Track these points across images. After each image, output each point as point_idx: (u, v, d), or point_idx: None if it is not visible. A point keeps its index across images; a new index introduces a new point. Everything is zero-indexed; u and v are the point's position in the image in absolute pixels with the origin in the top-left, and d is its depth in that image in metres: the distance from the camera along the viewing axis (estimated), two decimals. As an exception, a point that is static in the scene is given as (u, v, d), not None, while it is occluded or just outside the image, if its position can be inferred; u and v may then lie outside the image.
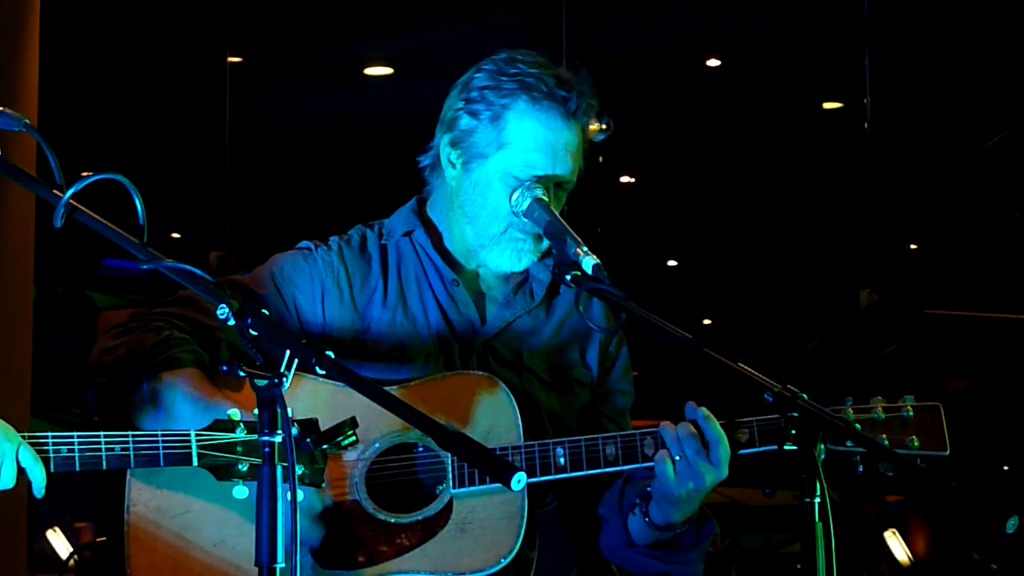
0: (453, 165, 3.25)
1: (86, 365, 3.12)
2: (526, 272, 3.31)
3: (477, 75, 3.25)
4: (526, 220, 3.16)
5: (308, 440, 2.60)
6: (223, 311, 2.43)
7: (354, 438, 2.61)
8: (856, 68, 9.13)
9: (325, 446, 2.61)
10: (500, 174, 3.19)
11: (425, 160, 3.33)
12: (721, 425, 3.05)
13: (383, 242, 3.30)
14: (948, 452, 3.08)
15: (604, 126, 3.29)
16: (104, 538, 8.10)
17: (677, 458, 3.02)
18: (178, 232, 11.16)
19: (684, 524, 3.15)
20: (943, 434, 3.09)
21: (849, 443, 3.00)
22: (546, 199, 3.17)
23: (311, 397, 3.00)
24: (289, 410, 2.44)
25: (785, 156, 10.93)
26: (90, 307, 11.13)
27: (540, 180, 3.17)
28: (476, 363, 3.21)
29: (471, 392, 3.10)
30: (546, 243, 3.20)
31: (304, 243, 3.30)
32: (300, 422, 2.60)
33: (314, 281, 3.22)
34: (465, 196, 3.23)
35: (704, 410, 3.05)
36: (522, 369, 3.24)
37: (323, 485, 2.93)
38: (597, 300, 3.21)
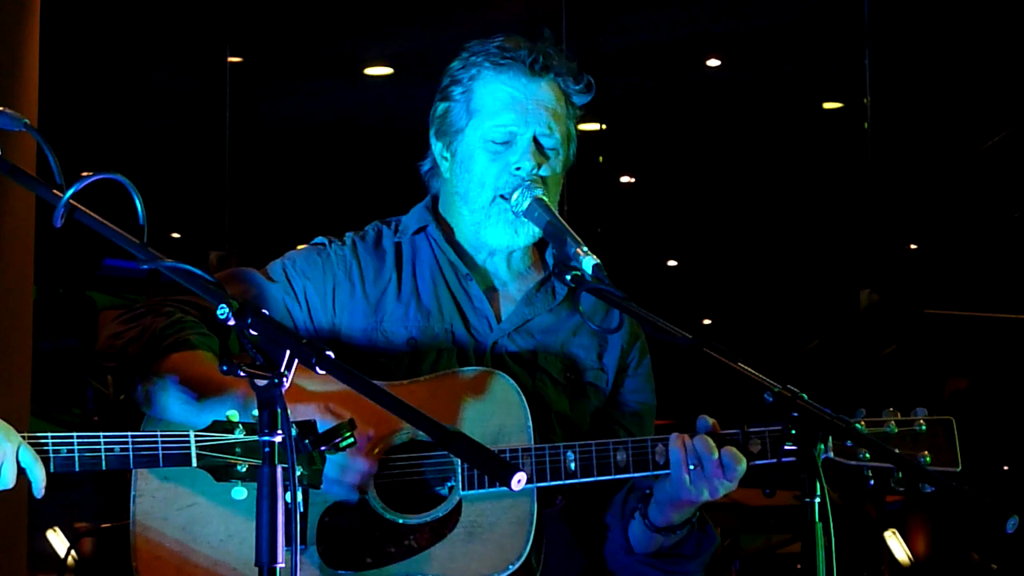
0: (445, 157, 3.28)
1: (94, 351, 3.12)
2: (548, 271, 3.32)
3: (451, 65, 3.30)
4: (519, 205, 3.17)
5: (306, 442, 2.60)
6: (223, 311, 2.43)
7: (352, 440, 2.61)
8: (856, 68, 9.13)
9: (323, 447, 2.61)
10: (479, 142, 3.21)
11: (425, 165, 3.36)
12: (733, 435, 3.05)
13: (396, 239, 3.31)
14: (959, 468, 3.08)
15: (584, 85, 3.30)
16: (107, 525, 8.08)
17: (692, 467, 3.02)
18: (178, 232, 11.16)
19: (683, 526, 3.14)
20: (955, 450, 3.09)
21: (863, 455, 3.00)
22: (546, 199, 3.18)
23: (316, 390, 2.99)
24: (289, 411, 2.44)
25: (785, 156, 10.93)
26: (90, 307, 11.12)
27: (519, 139, 3.18)
28: (490, 360, 3.20)
29: (482, 390, 3.09)
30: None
31: (319, 239, 3.32)
32: (298, 423, 2.60)
33: (326, 274, 3.23)
34: (457, 177, 3.26)
35: (732, 450, 3.03)
36: (536, 369, 3.23)
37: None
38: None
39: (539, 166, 3.19)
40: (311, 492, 2.99)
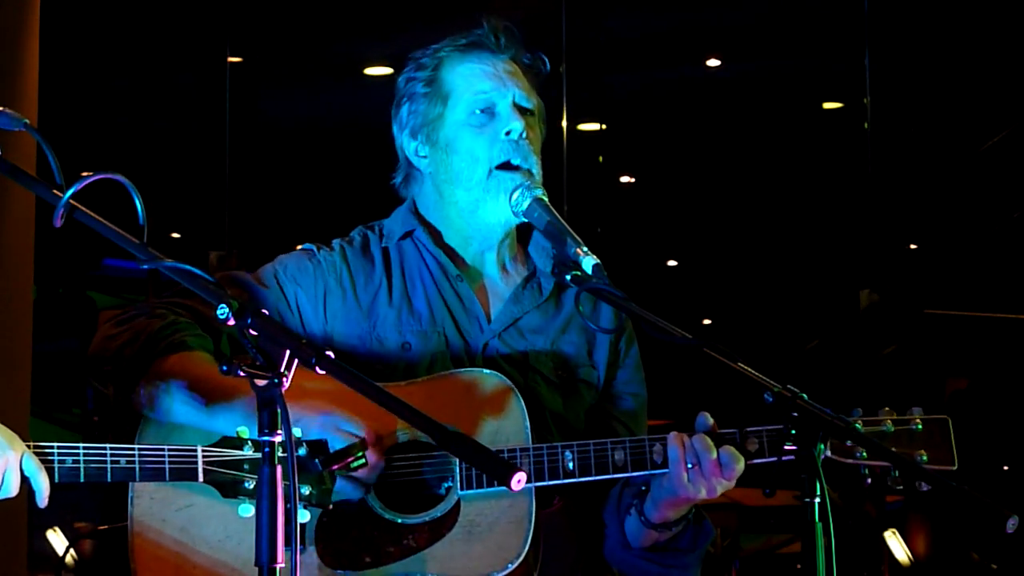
0: (423, 156, 3.27)
1: (87, 354, 3.11)
2: (533, 267, 3.31)
3: (400, 79, 3.32)
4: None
5: (316, 461, 2.59)
6: (223, 311, 2.42)
7: (363, 460, 2.60)
8: (856, 68, 9.13)
9: (334, 467, 2.60)
10: (462, 118, 3.21)
11: (397, 178, 3.35)
12: (731, 434, 3.05)
13: (383, 244, 3.30)
14: (956, 467, 3.09)
15: (538, 61, 3.32)
16: (105, 526, 8.08)
17: (690, 466, 3.02)
18: (178, 232, 11.15)
19: (680, 522, 3.15)
20: (951, 449, 3.10)
21: (860, 454, 3.01)
22: (546, 199, 3.18)
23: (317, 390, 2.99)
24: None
25: (785, 156, 10.93)
26: (90, 307, 11.12)
27: (500, 105, 3.19)
28: (482, 361, 3.20)
29: (479, 391, 3.09)
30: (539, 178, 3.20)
31: (307, 245, 3.30)
32: (309, 443, 2.59)
33: (317, 281, 3.22)
34: (444, 164, 3.24)
35: (730, 449, 3.04)
36: (528, 368, 3.23)
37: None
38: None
39: (527, 128, 3.20)
40: None
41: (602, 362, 3.31)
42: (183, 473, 2.74)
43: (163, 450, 2.75)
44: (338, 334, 3.20)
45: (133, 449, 2.74)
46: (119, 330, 3.09)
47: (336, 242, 3.31)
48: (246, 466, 2.74)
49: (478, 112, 3.21)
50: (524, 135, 3.20)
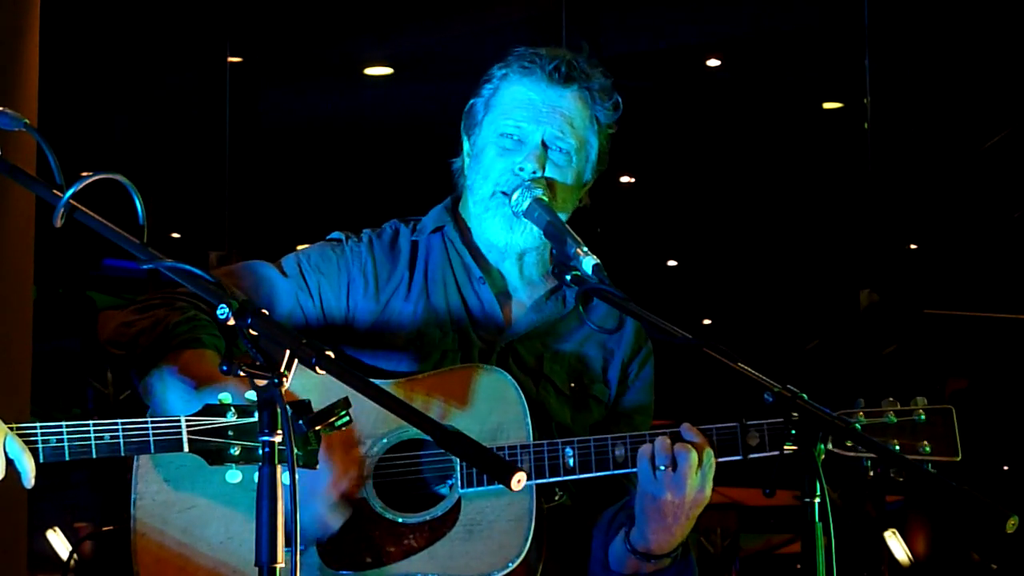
0: (468, 154, 3.30)
1: (99, 339, 3.10)
2: (559, 280, 3.31)
3: (494, 66, 3.32)
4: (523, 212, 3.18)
5: (300, 422, 2.59)
6: (223, 311, 2.42)
7: (348, 418, 2.59)
8: (856, 68, 9.13)
9: (318, 427, 2.60)
10: (492, 136, 3.24)
11: (456, 163, 3.38)
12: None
13: (414, 238, 3.32)
14: (960, 458, 3.07)
15: (612, 104, 3.30)
16: (109, 527, 8.08)
17: (662, 468, 3.01)
18: (178, 232, 11.15)
19: (661, 557, 3.11)
20: (955, 439, 3.09)
21: (860, 448, 3.00)
22: (546, 199, 3.18)
23: (320, 384, 2.99)
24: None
25: (785, 156, 10.92)
26: (90, 307, 11.11)
27: (528, 139, 3.19)
28: (495, 364, 3.19)
29: (479, 387, 3.09)
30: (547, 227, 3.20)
31: (335, 234, 3.32)
32: (292, 404, 2.60)
33: (341, 271, 3.24)
34: (469, 169, 3.28)
35: (685, 446, 3.03)
36: (540, 377, 3.22)
37: (330, 478, 2.94)
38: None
39: (542, 168, 3.20)
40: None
41: (614, 381, 3.31)
42: (168, 444, 2.73)
43: (146, 423, 2.74)
44: (358, 323, 3.21)
45: (116, 424, 2.73)
46: (138, 317, 3.08)
47: (365, 233, 3.33)
48: (230, 433, 2.73)
49: (506, 135, 3.22)
50: (538, 174, 3.19)
